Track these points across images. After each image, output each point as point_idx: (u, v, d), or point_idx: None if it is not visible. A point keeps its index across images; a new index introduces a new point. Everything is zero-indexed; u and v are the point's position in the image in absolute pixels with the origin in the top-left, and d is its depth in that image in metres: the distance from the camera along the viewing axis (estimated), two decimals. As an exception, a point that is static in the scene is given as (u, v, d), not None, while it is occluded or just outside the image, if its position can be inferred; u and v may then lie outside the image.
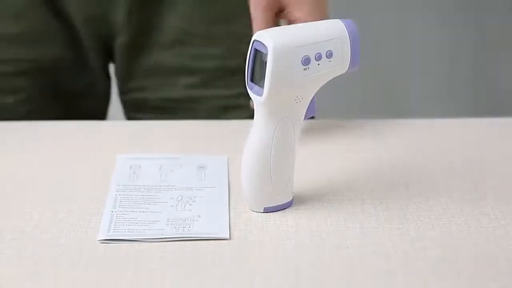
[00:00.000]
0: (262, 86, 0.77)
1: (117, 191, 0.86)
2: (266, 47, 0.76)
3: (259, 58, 0.77)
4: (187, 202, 0.84)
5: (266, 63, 0.76)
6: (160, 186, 0.87)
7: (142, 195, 0.86)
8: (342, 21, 0.79)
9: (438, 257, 0.76)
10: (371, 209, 0.84)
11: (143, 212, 0.83)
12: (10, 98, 1.11)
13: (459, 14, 2.18)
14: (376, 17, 1.22)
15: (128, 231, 0.80)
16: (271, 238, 0.79)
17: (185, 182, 0.88)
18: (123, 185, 0.87)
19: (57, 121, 1.08)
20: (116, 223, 0.81)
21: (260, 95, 0.78)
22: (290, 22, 0.93)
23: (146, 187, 0.87)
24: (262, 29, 0.82)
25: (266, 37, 0.77)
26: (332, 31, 0.78)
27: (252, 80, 0.79)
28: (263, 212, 0.83)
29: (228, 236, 0.79)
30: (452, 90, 2.25)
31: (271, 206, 0.83)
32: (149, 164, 0.91)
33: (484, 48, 2.22)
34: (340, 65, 0.79)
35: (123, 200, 0.85)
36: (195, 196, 0.85)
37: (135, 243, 0.78)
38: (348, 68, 0.80)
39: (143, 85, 1.12)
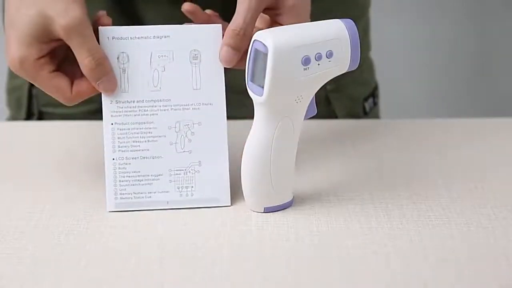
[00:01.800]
0: (262, 86, 0.77)
1: (112, 118, 0.84)
2: (266, 47, 0.76)
3: (259, 58, 0.77)
4: (186, 136, 0.84)
5: (266, 63, 0.76)
6: (154, 102, 0.85)
7: (139, 125, 0.84)
8: (342, 21, 0.79)
9: (438, 257, 0.76)
10: (371, 209, 0.84)
11: (144, 159, 0.83)
12: (84, 107, 1.11)
13: (459, 14, 2.19)
14: (376, 17, 1.22)
15: (134, 196, 0.81)
16: (271, 238, 0.79)
17: (180, 93, 0.85)
18: (117, 105, 0.85)
19: (58, 121, 1.08)
20: (121, 182, 0.82)
21: (260, 95, 0.78)
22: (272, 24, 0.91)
23: (140, 107, 0.85)
24: (245, 16, 0.82)
25: (266, 37, 0.77)
26: (332, 31, 0.78)
27: (252, 80, 0.79)
28: (263, 212, 0.83)
29: (229, 203, 0.84)
30: (452, 90, 2.25)
31: (271, 206, 0.83)
32: (138, 53, 0.85)
33: (484, 48, 2.22)
34: (340, 65, 0.79)
35: (121, 137, 0.84)
36: (193, 124, 0.85)
37: (135, 241, 0.78)
38: (348, 68, 0.80)
39: None
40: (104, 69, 0.83)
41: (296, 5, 0.85)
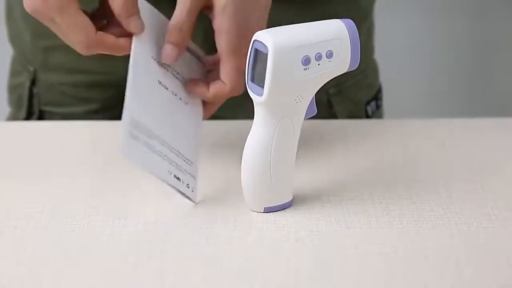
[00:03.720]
0: (262, 86, 0.77)
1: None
2: (266, 47, 0.76)
3: (259, 58, 0.77)
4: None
5: (266, 63, 0.76)
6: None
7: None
8: (342, 21, 0.79)
9: (438, 257, 0.76)
10: (371, 209, 0.84)
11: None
12: (84, 107, 1.11)
13: (459, 14, 2.18)
14: (376, 16, 1.22)
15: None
16: (271, 238, 0.79)
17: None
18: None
19: (59, 121, 1.08)
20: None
21: (260, 95, 0.78)
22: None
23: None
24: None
25: (266, 37, 0.77)
26: (332, 31, 0.78)
27: (252, 80, 0.79)
28: (263, 212, 0.83)
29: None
30: (452, 90, 2.25)
31: (271, 206, 0.83)
32: None
33: (486, 50, 2.22)
34: (340, 65, 0.79)
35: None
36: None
37: (135, 241, 0.78)
38: (348, 68, 0.80)
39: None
40: (136, 7, 0.83)
41: (228, 6, 0.84)
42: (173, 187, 0.81)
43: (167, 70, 0.87)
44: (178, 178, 0.82)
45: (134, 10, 0.84)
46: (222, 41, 0.85)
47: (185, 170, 0.83)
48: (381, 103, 1.19)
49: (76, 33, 0.82)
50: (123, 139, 0.76)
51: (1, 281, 0.73)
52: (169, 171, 0.81)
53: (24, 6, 0.83)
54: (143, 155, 0.78)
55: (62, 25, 0.82)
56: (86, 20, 0.83)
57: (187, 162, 0.84)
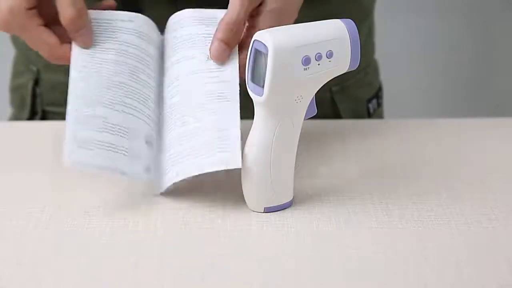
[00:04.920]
0: (262, 86, 0.77)
1: None
2: (266, 47, 0.76)
3: (260, 58, 0.77)
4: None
5: (266, 63, 0.76)
6: None
7: None
8: (342, 21, 0.79)
9: (438, 257, 0.76)
10: (371, 209, 0.84)
11: None
12: None
13: (459, 14, 2.18)
14: (375, 16, 1.22)
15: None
16: (271, 238, 0.79)
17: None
18: None
19: (59, 121, 1.08)
20: None
21: (261, 95, 0.78)
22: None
23: None
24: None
25: (266, 37, 0.77)
26: (332, 31, 0.78)
27: (252, 80, 0.79)
28: (263, 212, 0.83)
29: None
30: (452, 90, 2.25)
31: (271, 206, 0.83)
32: None
33: (486, 50, 2.22)
34: (340, 65, 0.79)
35: None
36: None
37: (135, 241, 0.78)
38: (348, 68, 0.80)
39: None
40: (84, 21, 0.83)
41: (276, 9, 0.84)
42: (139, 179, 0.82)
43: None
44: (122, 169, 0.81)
45: (83, 24, 0.84)
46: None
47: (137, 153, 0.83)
48: (381, 102, 1.19)
49: (40, 48, 0.84)
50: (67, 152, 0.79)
51: (1, 281, 0.73)
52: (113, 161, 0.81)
53: None
54: (94, 157, 0.80)
55: (26, 41, 0.84)
56: (48, 36, 0.84)
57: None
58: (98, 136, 0.81)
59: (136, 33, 0.88)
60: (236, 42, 0.84)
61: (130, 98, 0.84)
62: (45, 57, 0.85)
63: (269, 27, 0.79)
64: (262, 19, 0.85)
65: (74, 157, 0.80)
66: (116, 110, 0.83)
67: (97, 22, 0.86)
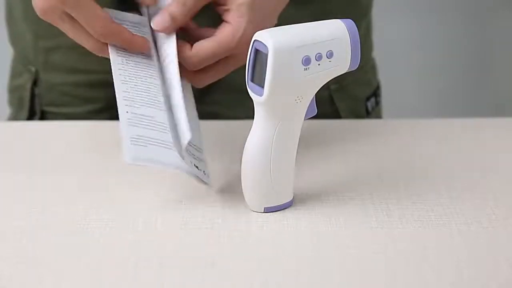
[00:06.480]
0: (262, 86, 0.77)
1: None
2: (266, 47, 0.76)
3: (260, 58, 0.77)
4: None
5: (266, 63, 0.76)
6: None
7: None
8: (342, 21, 0.79)
9: (438, 257, 0.76)
10: (371, 209, 0.84)
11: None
12: (86, 107, 1.11)
13: (459, 14, 2.19)
14: (375, 16, 1.22)
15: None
16: (271, 238, 0.79)
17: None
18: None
19: (61, 121, 1.08)
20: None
21: (261, 95, 0.78)
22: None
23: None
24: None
25: (266, 37, 0.77)
26: (332, 31, 0.78)
27: (252, 80, 0.79)
28: (263, 212, 0.83)
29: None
30: (451, 90, 2.25)
31: (271, 206, 0.83)
32: None
33: (486, 49, 2.22)
34: (340, 65, 0.79)
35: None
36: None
37: (135, 241, 0.78)
38: (349, 68, 0.80)
39: (218, 100, 1.11)
40: (116, 38, 0.83)
41: (246, 3, 0.84)
42: (192, 174, 0.82)
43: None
44: (195, 166, 0.82)
45: (115, 41, 0.84)
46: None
47: (198, 157, 0.84)
48: (380, 100, 1.19)
49: (94, 24, 0.83)
50: (126, 149, 0.79)
51: (1, 281, 0.73)
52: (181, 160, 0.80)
53: (34, 7, 0.83)
54: (150, 153, 0.79)
55: (80, 18, 0.83)
56: (103, 11, 0.83)
57: (196, 149, 0.84)
58: (152, 134, 0.81)
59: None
60: (184, 19, 0.85)
61: (160, 95, 0.85)
62: (90, 41, 0.84)
63: (245, 22, 0.80)
64: (230, 14, 0.85)
65: (133, 155, 0.79)
66: (158, 109, 0.83)
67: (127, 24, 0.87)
